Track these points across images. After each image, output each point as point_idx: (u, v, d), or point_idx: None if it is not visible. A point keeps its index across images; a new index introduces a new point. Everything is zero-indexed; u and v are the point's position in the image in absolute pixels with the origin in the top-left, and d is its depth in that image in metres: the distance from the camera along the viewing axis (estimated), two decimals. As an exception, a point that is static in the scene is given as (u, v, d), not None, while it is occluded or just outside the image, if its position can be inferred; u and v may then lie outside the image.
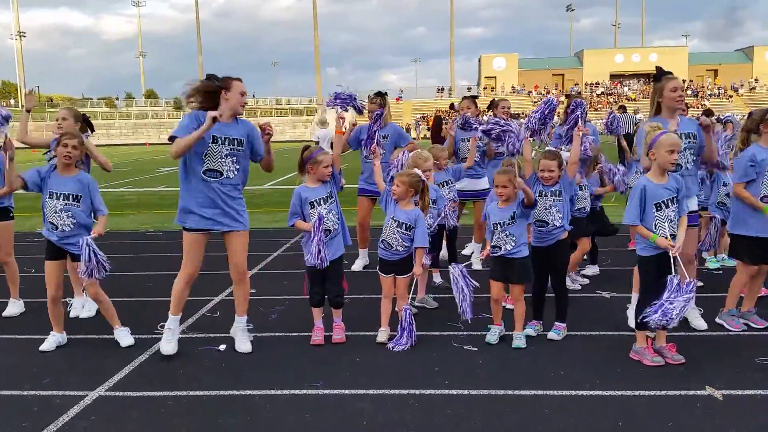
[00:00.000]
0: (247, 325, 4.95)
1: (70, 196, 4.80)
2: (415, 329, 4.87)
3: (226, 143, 4.50)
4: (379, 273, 5.09)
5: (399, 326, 4.88)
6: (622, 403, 3.81)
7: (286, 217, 5.09)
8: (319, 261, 4.74)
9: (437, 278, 6.56)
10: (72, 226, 4.79)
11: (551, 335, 4.95)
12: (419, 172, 5.10)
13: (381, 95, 7.01)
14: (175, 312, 4.74)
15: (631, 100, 62.18)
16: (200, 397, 4.05)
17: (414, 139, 52.90)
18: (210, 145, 4.47)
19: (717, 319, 5.14)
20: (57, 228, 4.79)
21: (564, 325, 5.03)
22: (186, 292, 4.76)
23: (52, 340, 4.99)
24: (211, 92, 4.50)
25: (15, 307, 5.97)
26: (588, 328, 5.14)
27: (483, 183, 7.17)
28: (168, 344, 4.68)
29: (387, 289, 5.06)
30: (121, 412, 3.85)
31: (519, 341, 4.77)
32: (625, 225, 4.55)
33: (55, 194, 4.79)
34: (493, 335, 4.87)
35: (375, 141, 6.20)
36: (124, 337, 5.03)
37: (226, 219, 4.63)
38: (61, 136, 4.90)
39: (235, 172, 4.60)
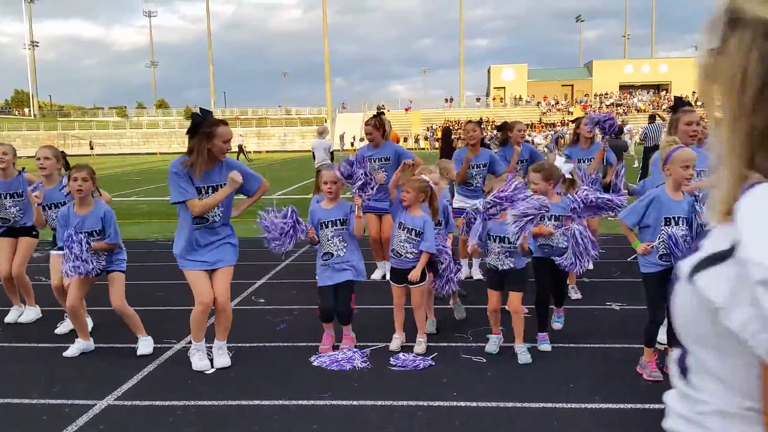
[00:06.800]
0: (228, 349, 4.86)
1: (93, 232, 4.85)
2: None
3: (210, 191, 4.53)
4: (391, 282, 5.10)
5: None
6: (631, 416, 3.79)
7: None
8: (276, 245, 4.77)
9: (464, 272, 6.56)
10: (92, 253, 4.84)
11: (556, 325, 5.21)
12: (427, 177, 5.12)
13: (378, 116, 7.00)
14: (198, 339, 4.71)
15: (641, 111, 62.01)
16: (209, 406, 4.06)
17: (424, 149, 52.34)
18: (197, 197, 4.50)
19: None
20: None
21: (561, 309, 5.31)
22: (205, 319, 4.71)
23: (75, 347, 5.02)
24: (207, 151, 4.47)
25: (32, 312, 6.06)
26: (598, 341, 5.11)
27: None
28: (201, 362, 4.66)
29: (398, 297, 5.06)
30: (129, 421, 3.87)
31: (525, 356, 4.70)
32: (620, 219, 4.42)
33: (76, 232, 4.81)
34: (493, 345, 4.91)
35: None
36: (145, 346, 5.04)
37: (215, 257, 4.64)
38: (70, 170, 4.94)
39: (220, 215, 4.63)
